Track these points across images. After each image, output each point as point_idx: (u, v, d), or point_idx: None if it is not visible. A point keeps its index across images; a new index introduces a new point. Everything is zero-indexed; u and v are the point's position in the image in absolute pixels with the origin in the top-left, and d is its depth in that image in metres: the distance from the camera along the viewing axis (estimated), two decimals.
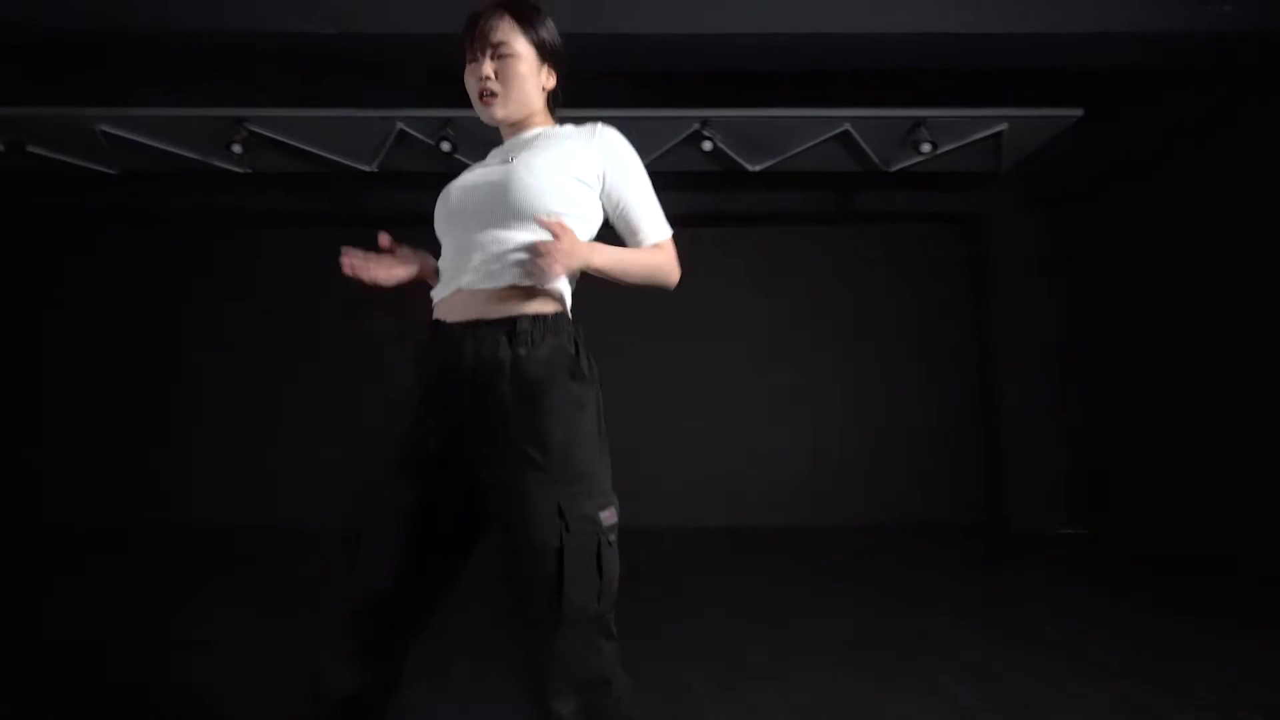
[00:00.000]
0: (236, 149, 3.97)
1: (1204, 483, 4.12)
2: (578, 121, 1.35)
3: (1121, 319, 4.91)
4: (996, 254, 5.42)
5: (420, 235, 1.48)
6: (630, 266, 1.26)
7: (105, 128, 4.00)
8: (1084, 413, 5.23)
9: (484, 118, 1.33)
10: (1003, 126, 4.01)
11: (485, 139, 4.24)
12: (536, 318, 1.18)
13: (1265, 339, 3.72)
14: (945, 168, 4.51)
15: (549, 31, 1.31)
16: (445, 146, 3.99)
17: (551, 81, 1.35)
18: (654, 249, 1.31)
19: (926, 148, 3.93)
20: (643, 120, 3.94)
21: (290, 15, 2.90)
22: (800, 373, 5.69)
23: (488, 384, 1.15)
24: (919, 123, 3.94)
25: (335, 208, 5.35)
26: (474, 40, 1.28)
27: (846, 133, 4.09)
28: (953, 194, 5.33)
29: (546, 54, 1.32)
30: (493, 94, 1.28)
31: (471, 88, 1.30)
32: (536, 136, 1.32)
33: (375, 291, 1.35)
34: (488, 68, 1.27)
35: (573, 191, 1.24)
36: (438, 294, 1.29)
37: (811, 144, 4.19)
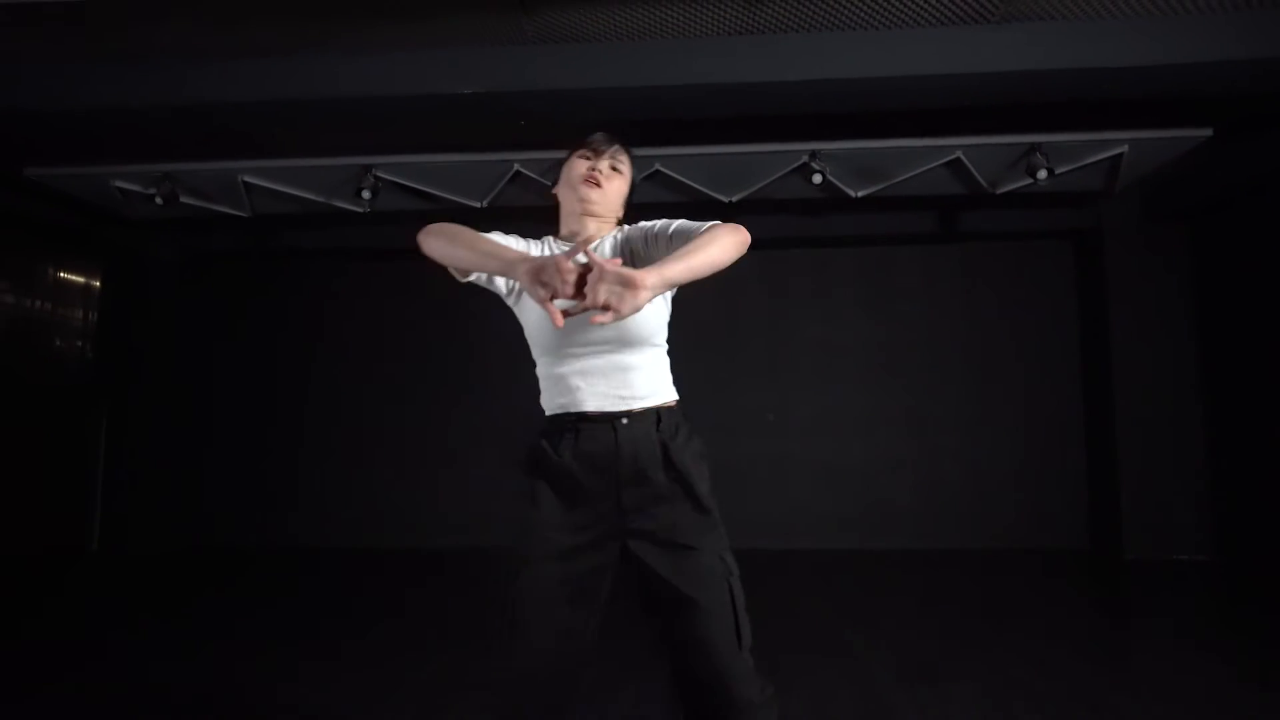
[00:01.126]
0: (366, 194, 4.21)
1: None
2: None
3: (1245, 336, 4.69)
4: (1110, 270, 5.22)
5: None
6: (696, 257, 1.26)
7: (247, 178, 4.34)
8: (1204, 434, 5.01)
9: (576, 195, 1.50)
10: (1123, 149, 3.89)
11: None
12: (671, 410, 1.42)
13: None
14: (1054, 188, 4.40)
15: (635, 177, 1.61)
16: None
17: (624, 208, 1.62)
18: (707, 232, 1.33)
19: (1043, 174, 3.82)
20: (754, 155, 4.02)
21: (438, 80, 3.11)
22: (904, 394, 5.65)
23: (646, 467, 1.36)
24: (1034, 148, 3.86)
25: None
26: (600, 145, 1.53)
27: (956, 159, 4.05)
28: (1060, 210, 5.19)
29: (631, 189, 1.60)
30: (598, 184, 1.48)
31: (579, 169, 1.51)
32: (608, 245, 1.49)
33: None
34: (604, 164, 1.51)
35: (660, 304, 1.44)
36: (570, 401, 1.40)
37: (919, 171, 4.17)
